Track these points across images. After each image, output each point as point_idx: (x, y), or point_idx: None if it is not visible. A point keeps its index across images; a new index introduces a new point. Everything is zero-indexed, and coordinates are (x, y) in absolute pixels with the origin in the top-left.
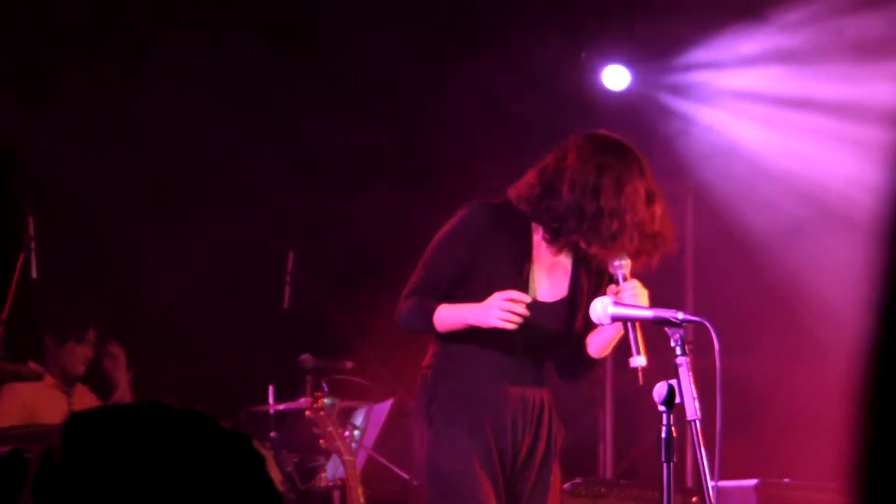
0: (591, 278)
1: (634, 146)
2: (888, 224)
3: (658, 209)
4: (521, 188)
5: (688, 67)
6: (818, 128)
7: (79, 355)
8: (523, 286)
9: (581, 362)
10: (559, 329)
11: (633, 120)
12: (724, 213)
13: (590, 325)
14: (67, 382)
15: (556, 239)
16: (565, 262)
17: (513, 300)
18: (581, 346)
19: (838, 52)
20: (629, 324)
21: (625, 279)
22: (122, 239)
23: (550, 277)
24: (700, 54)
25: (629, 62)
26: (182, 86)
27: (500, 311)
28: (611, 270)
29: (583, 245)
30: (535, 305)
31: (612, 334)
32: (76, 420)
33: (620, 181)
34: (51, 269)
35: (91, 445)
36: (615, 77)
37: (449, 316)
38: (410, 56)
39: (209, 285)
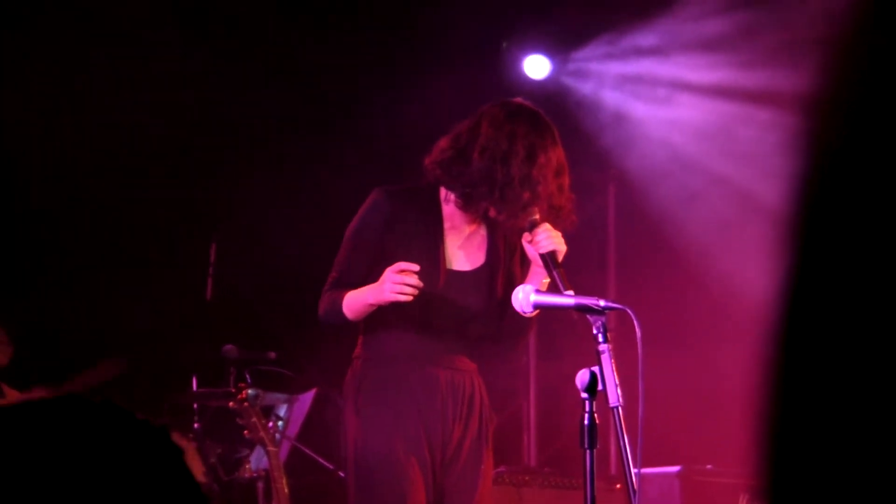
0: (507, 244)
1: (545, 115)
2: (792, 216)
3: (565, 181)
4: (434, 154)
5: (609, 56)
6: (739, 116)
7: None
8: (437, 260)
9: (512, 327)
10: (480, 298)
11: (555, 109)
12: (646, 202)
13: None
14: None
15: (468, 205)
16: (480, 230)
17: (403, 271)
18: (507, 315)
19: (757, 39)
20: (554, 271)
21: (536, 225)
22: (42, 227)
23: (466, 247)
24: (621, 42)
25: (549, 52)
26: (114, 70)
27: (392, 284)
28: (520, 221)
29: (492, 213)
30: (452, 275)
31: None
32: None
33: (532, 150)
34: None
35: (3, 439)
36: (536, 66)
37: (353, 302)
38: (337, 47)
39: (131, 276)
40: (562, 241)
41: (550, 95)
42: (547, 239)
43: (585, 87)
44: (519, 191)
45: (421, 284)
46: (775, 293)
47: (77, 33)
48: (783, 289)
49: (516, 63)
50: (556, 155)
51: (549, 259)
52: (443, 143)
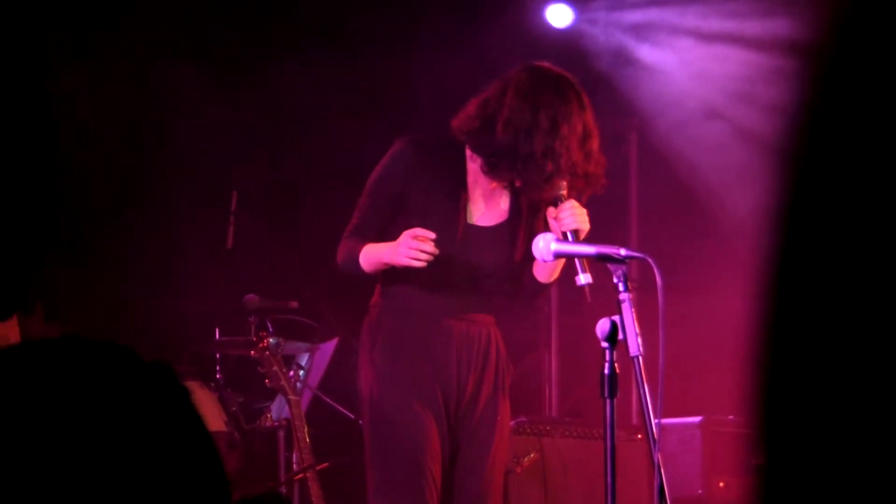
0: (531, 202)
1: (574, 80)
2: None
3: (593, 147)
4: (462, 120)
5: (632, 5)
6: (761, 66)
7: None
8: (458, 213)
9: (529, 288)
10: (500, 253)
11: (577, 58)
12: (668, 151)
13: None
14: None
15: (493, 174)
16: (505, 187)
17: (419, 238)
18: (526, 271)
19: None
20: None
21: (562, 200)
22: (70, 183)
23: (488, 203)
24: None
25: (571, 0)
26: (135, 27)
27: (406, 248)
28: (546, 193)
29: (517, 183)
30: (471, 230)
31: None
32: None
33: (556, 120)
34: None
35: (6, 381)
36: (558, 15)
37: (370, 257)
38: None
39: (152, 224)
40: (586, 219)
41: (573, 43)
42: (571, 217)
43: (607, 36)
44: (541, 163)
45: (436, 251)
46: (770, 227)
47: None
48: (777, 223)
49: (539, 12)
50: (582, 121)
51: (571, 237)
52: (470, 109)
